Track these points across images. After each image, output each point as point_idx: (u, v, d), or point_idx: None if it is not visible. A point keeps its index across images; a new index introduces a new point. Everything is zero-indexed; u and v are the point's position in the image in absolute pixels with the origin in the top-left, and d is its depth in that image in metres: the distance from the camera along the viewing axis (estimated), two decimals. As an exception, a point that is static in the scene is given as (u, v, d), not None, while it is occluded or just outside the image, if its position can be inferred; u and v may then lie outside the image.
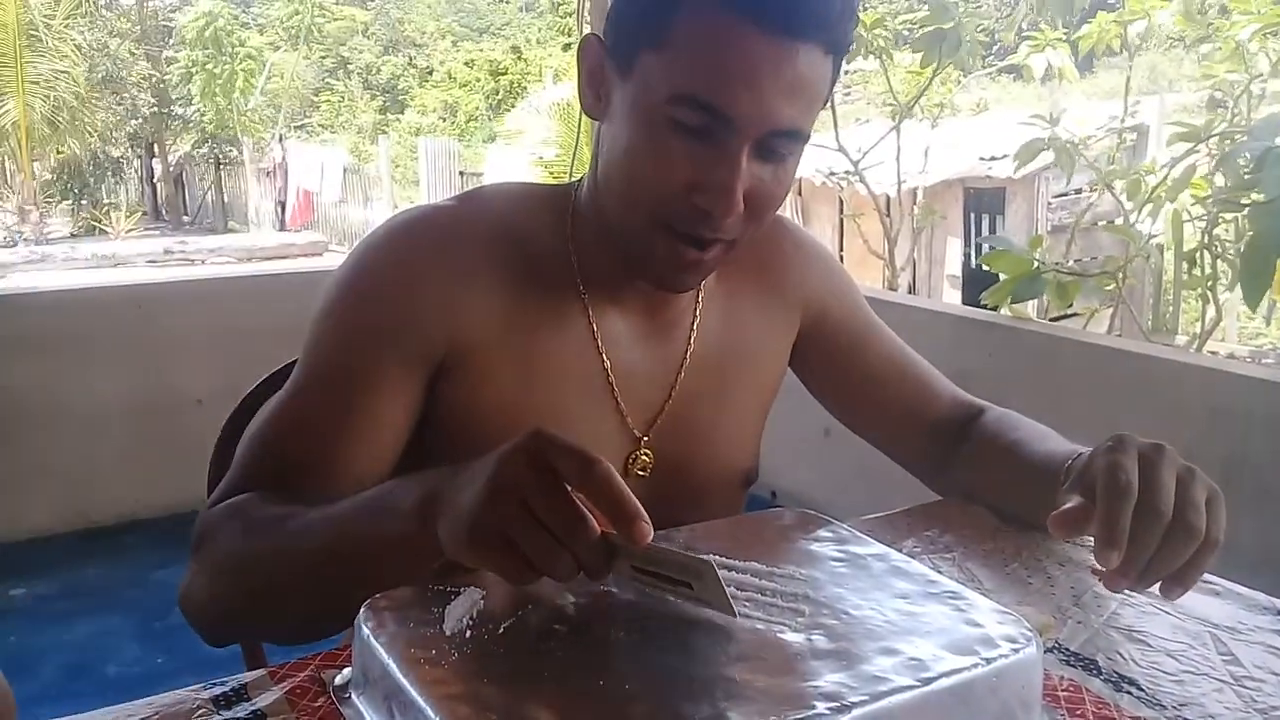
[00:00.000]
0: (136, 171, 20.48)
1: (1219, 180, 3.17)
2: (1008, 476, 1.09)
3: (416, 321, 0.95)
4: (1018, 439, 1.10)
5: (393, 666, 0.65)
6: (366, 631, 0.69)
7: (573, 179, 1.08)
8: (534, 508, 0.66)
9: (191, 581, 0.90)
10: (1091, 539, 0.83)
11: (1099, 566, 0.83)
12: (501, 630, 0.69)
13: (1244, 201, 2.78)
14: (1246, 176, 2.72)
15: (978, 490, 1.14)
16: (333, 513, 0.83)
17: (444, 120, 22.06)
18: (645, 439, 1.06)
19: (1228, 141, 3.20)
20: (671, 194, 0.89)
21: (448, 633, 0.68)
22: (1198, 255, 3.43)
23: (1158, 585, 0.84)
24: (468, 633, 0.69)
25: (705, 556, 0.67)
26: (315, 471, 0.92)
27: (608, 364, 1.02)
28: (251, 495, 0.91)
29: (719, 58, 0.85)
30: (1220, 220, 3.33)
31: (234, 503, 0.91)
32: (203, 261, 13.20)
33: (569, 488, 0.67)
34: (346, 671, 0.75)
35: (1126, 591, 0.90)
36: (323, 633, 0.86)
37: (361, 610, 0.71)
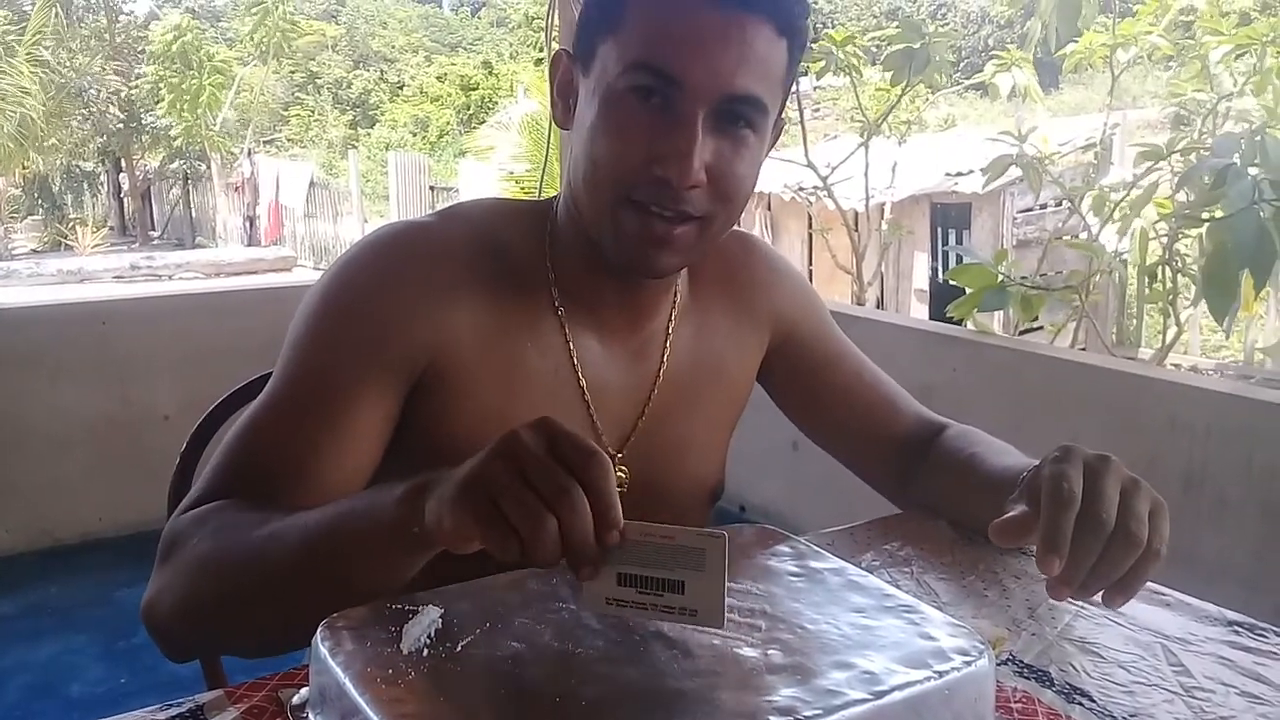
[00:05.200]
0: (104, 186, 20.31)
1: (1181, 197, 3.22)
2: (965, 490, 1.10)
3: (396, 336, 0.95)
4: (975, 453, 1.11)
5: (349, 686, 0.65)
6: (323, 650, 0.69)
7: (543, 195, 1.08)
8: (527, 472, 0.67)
9: (159, 591, 0.88)
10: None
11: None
12: (459, 649, 0.69)
13: (1204, 217, 2.83)
14: (1212, 192, 2.77)
15: (937, 504, 1.16)
16: (312, 515, 0.83)
17: (414, 135, 22.02)
18: (620, 456, 1.06)
19: (1190, 157, 3.25)
20: (632, 168, 0.91)
21: (405, 651, 0.68)
22: (1160, 270, 3.48)
23: (1100, 595, 0.84)
24: (425, 651, 0.69)
25: (718, 531, 0.68)
26: (289, 483, 0.91)
27: (583, 382, 1.03)
28: (223, 502, 0.90)
29: (668, 26, 0.89)
30: (1181, 236, 3.38)
31: (205, 509, 0.90)
32: (170, 277, 13.09)
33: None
34: (304, 691, 0.75)
35: (1070, 601, 0.91)
36: (294, 643, 0.84)
37: (319, 629, 0.71)
